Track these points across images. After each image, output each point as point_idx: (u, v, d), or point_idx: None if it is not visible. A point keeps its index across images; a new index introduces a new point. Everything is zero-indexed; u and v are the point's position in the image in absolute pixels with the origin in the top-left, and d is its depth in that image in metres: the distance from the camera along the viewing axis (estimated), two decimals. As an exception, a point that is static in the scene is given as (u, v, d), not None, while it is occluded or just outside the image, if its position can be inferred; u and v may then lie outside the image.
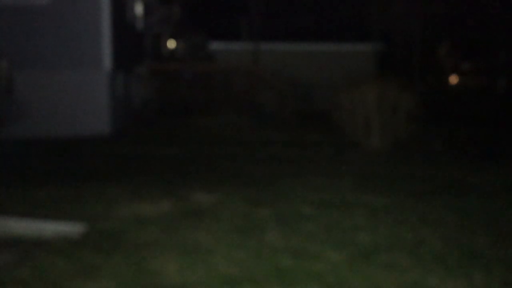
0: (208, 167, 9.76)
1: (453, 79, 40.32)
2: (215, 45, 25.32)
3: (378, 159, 10.88)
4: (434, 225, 6.16)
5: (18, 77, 14.00)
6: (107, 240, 5.44)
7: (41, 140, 12.89)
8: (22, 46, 14.05)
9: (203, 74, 21.25)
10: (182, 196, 7.23)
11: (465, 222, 6.29)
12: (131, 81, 17.84)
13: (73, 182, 8.17)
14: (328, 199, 7.28)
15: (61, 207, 6.64)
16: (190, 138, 14.04)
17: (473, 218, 6.48)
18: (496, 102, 28.05)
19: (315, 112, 20.13)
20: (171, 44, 30.68)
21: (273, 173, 9.15)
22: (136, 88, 18.76)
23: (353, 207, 6.85)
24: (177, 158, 10.83)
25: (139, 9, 19.81)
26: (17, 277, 4.56)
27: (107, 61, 14.39)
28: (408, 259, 5.06)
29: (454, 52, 38.88)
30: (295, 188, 7.93)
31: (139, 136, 14.37)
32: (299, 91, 21.90)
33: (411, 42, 29.58)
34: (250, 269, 4.78)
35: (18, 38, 14.04)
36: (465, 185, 8.44)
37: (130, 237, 5.55)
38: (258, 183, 8.28)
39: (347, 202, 7.13)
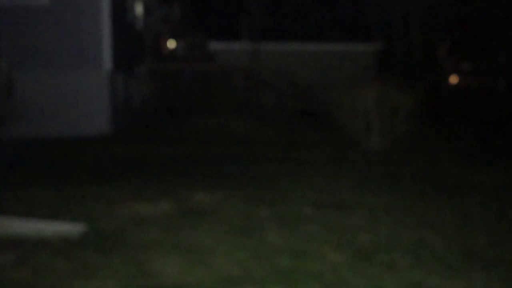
0: (208, 167, 9.75)
1: (453, 79, 40.28)
2: (215, 45, 25.30)
3: (378, 159, 10.88)
4: (434, 225, 6.15)
5: (18, 77, 13.99)
6: (107, 240, 5.43)
7: (41, 140, 12.88)
8: (22, 46, 14.04)
9: (203, 74, 21.23)
10: (182, 196, 7.23)
11: (465, 222, 6.29)
12: (131, 81, 17.83)
13: (73, 182, 8.16)
14: (328, 199, 7.28)
15: (61, 207, 6.64)
16: (190, 138, 14.04)
17: (473, 218, 6.47)
18: (496, 102, 28.03)
19: (315, 112, 20.11)
20: (171, 44, 30.64)
21: (273, 173, 9.15)
22: (136, 88, 18.74)
23: (353, 207, 6.84)
24: (177, 158, 10.82)
25: (139, 9, 19.80)
26: (17, 277, 4.56)
27: (107, 61, 14.39)
28: (408, 259, 5.06)
29: (454, 52, 38.84)
30: (295, 188, 7.93)
31: (139, 136, 14.37)
32: (299, 91, 21.87)
33: (411, 42, 29.57)
34: (250, 269, 4.78)
35: (18, 38, 14.04)
36: (465, 185, 8.44)
37: (130, 237, 5.55)
38: (258, 183, 8.28)
39: (347, 202, 7.12)
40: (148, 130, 15.89)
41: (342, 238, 5.61)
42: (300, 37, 25.80)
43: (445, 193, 7.79)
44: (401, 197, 7.43)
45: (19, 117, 13.67)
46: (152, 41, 23.27)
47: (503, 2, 29.41)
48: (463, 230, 5.99)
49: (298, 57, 25.31)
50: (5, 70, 13.90)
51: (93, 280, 4.52)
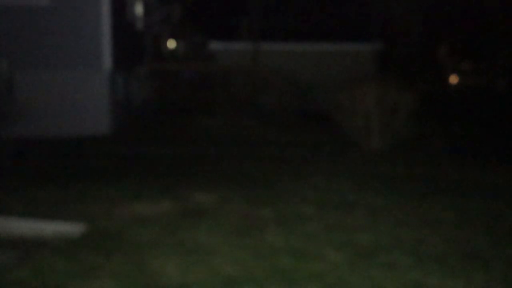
0: (208, 167, 9.75)
1: (453, 79, 40.30)
2: (215, 45, 25.30)
3: (378, 159, 10.88)
4: (434, 225, 6.16)
5: (18, 77, 13.99)
6: (107, 240, 5.44)
7: (41, 140, 12.88)
8: (22, 46, 14.03)
9: (203, 74, 21.23)
10: (182, 196, 7.23)
11: (465, 222, 6.29)
12: (131, 81, 17.83)
13: (73, 182, 8.16)
14: (328, 199, 7.28)
15: (61, 207, 6.64)
16: (190, 138, 14.03)
17: (473, 218, 6.48)
18: (496, 102, 28.04)
19: (315, 112, 20.11)
20: (171, 44, 30.67)
21: (273, 173, 9.15)
22: (136, 88, 18.74)
23: (353, 207, 6.85)
24: (177, 158, 10.82)
25: (139, 9, 19.80)
26: (17, 277, 4.56)
27: (107, 61, 14.38)
28: (408, 259, 5.06)
29: (454, 52, 38.86)
30: (295, 188, 7.93)
31: (139, 136, 14.36)
32: (299, 91, 21.86)
33: (411, 42, 29.59)
34: (250, 269, 4.78)
35: (18, 38, 14.03)
36: (465, 185, 8.44)
37: (130, 237, 5.55)
38: (258, 183, 8.28)
39: (347, 202, 7.13)
40: (148, 130, 15.89)
41: (342, 238, 5.61)
42: (300, 37, 25.81)
43: (445, 193, 7.79)
44: (401, 197, 7.43)
45: (19, 117, 13.67)
46: (152, 41, 23.28)
47: (503, 2, 29.42)
48: (463, 230, 5.99)
49: (298, 57, 25.30)
50: (5, 70, 13.91)
51: (93, 280, 4.52)
